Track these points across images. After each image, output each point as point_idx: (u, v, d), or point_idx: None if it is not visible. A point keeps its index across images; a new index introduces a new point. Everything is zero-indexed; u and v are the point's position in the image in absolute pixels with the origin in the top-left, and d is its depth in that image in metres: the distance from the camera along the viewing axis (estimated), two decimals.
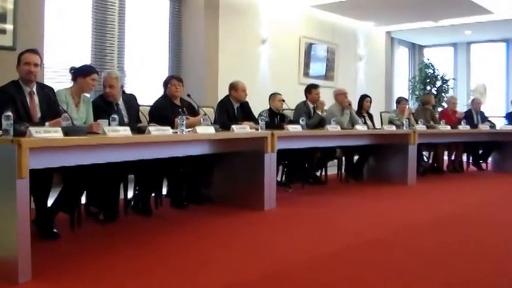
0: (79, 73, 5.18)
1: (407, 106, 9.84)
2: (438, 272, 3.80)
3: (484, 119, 10.86)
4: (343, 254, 4.29)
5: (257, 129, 6.36)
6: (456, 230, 5.34)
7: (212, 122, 6.47)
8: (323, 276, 3.69)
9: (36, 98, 4.62)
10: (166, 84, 6.35)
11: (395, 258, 4.20)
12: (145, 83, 8.75)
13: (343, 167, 8.73)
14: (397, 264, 4.01)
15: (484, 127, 10.24)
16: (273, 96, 7.89)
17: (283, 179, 7.83)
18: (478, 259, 4.18)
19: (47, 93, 4.71)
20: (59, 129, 3.95)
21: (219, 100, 7.31)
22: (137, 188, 5.78)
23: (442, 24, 13.52)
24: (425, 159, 10.32)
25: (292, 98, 8.33)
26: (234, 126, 5.95)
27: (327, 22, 12.04)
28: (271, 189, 6.18)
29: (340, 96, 8.55)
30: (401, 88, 15.30)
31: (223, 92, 7.61)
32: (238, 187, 6.28)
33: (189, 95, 6.39)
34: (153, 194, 5.89)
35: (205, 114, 6.15)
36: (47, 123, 4.24)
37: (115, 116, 4.75)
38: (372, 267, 3.93)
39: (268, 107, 7.83)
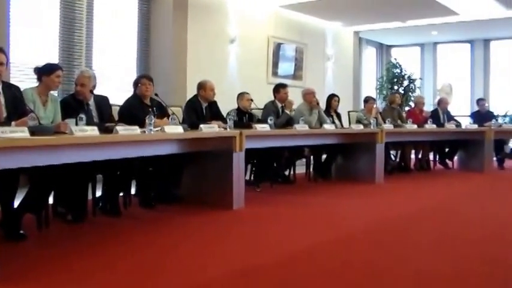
0: (43, 72, 5.14)
1: (374, 105, 9.93)
2: (407, 267, 3.87)
3: (450, 118, 11.00)
4: (312, 251, 4.31)
5: (225, 128, 6.36)
6: (423, 226, 5.42)
7: (180, 121, 6.48)
8: (292, 274, 3.71)
9: (1, 98, 4.55)
10: (136, 83, 6.33)
11: (365, 254, 4.25)
12: (113, 82, 8.70)
13: (312, 166, 8.78)
14: (367, 260, 4.05)
15: (450, 126, 10.37)
16: (241, 95, 7.90)
17: (252, 178, 7.84)
18: (445, 253, 4.26)
19: (13, 92, 4.66)
20: (26, 128, 3.92)
21: (188, 99, 7.31)
22: (105, 188, 5.72)
23: (409, 25, 13.66)
24: (393, 157, 10.43)
25: (261, 97, 8.36)
26: (202, 126, 5.95)
27: (295, 22, 12.09)
28: (240, 188, 6.18)
29: (309, 96, 8.61)
30: (369, 87, 15.43)
31: (191, 91, 7.59)
32: (207, 186, 6.28)
33: (156, 95, 6.37)
34: (121, 194, 5.86)
35: (173, 114, 6.15)
36: (13, 123, 4.18)
37: (82, 115, 4.71)
38: (342, 263, 3.97)
39: (236, 106, 7.84)
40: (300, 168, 8.77)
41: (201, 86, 7.11)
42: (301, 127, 7.48)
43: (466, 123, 11.34)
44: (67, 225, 5.07)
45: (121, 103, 6.31)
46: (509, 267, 3.92)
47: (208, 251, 4.30)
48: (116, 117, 5.99)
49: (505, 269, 3.87)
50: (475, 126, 10.77)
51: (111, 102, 6.07)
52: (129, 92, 6.51)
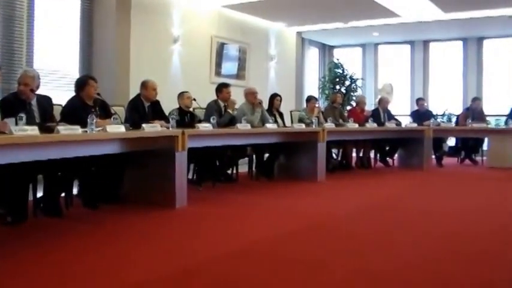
0: None
1: (316, 105, 10.08)
2: (349, 263, 3.94)
3: (391, 117, 11.25)
4: (254, 249, 4.36)
5: (168, 128, 6.40)
6: (365, 223, 5.54)
7: (123, 121, 6.48)
8: (234, 272, 3.74)
9: None
10: (82, 84, 6.21)
11: (307, 252, 4.30)
12: (54, 81, 8.60)
13: (254, 165, 8.85)
14: (308, 258, 4.10)
15: (390, 125, 10.62)
16: (181, 95, 7.94)
17: (195, 177, 7.87)
18: (386, 250, 4.37)
19: None
20: None
21: (130, 99, 7.30)
22: (47, 188, 5.65)
23: (351, 26, 13.83)
24: (334, 156, 10.59)
25: (204, 97, 8.41)
26: (144, 125, 5.98)
27: (238, 22, 12.13)
28: (182, 188, 6.22)
29: (251, 95, 8.69)
30: (312, 87, 15.54)
31: (134, 91, 7.58)
32: (150, 186, 6.30)
33: (98, 94, 6.33)
34: (63, 195, 5.82)
35: (115, 113, 6.15)
36: None
37: (22, 115, 4.68)
38: (283, 261, 4.01)
39: (178, 106, 7.86)
40: (243, 167, 8.86)
41: (143, 85, 7.12)
42: (243, 126, 7.55)
43: (406, 122, 11.59)
44: (7, 227, 4.99)
45: (62, 103, 6.24)
46: (450, 261, 4.05)
47: (147, 251, 4.31)
48: (58, 117, 5.94)
49: (446, 263, 3.99)
50: (415, 125, 11.06)
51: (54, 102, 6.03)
52: (71, 91, 6.43)
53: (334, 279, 3.61)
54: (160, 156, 6.16)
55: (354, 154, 10.85)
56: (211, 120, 7.20)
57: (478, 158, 11.95)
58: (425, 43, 15.80)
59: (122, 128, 5.63)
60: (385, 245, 4.53)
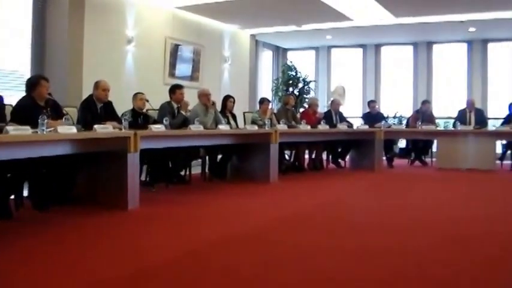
0: None
1: (269, 106, 10.16)
2: (300, 264, 3.98)
3: (343, 119, 11.41)
4: (207, 250, 4.36)
5: (120, 129, 6.38)
6: (316, 224, 5.60)
7: (76, 121, 6.44)
8: (188, 273, 3.75)
9: None
10: (33, 84, 6.11)
11: (259, 253, 4.33)
12: (6, 82, 8.51)
13: (207, 166, 8.88)
14: (260, 259, 4.13)
15: (342, 127, 10.76)
16: (135, 96, 7.91)
17: (147, 178, 7.86)
18: (337, 251, 4.42)
19: None
20: None
21: (83, 99, 7.27)
22: None
23: (304, 29, 13.94)
24: (287, 157, 10.68)
25: (158, 98, 8.41)
26: (96, 126, 5.95)
27: (193, 23, 12.14)
28: (135, 189, 6.20)
29: (204, 97, 8.72)
30: (265, 89, 15.65)
31: (87, 91, 7.54)
32: (102, 187, 6.28)
33: (50, 94, 6.27)
34: (12, 196, 5.75)
35: (67, 114, 6.11)
36: None
37: None
38: (235, 262, 4.03)
39: (132, 107, 7.85)
40: (196, 168, 8.87)
41: (95, 86, 7.09)
42: (196, 128, 7.58)
43: (358, 124, 11.75)
44: None
45: (13, 103, 6.18)
46: (394, 256, 4.15)
47: (98, 252, 4.29)
48: (9, 117, 5.87)
49: (390, 258, 4.10)
50: (366, 127, 11.24)
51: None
52: (22, 91, 6.35)
53: (287, 279, 3.64)
54: (113, 157, 6.14)
55: (307, 156, 10.94)
56: (164, 121, 7.21)
57: (428, 159, 12.20)
58: (377, 47, 16.02)
59: (73, 129, 5.60)
60: (335, 246, 4.59)
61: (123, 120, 6.56)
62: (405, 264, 4.00)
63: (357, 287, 3.52)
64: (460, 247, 4.54)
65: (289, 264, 4.00)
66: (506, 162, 11.57)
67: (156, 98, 8.33)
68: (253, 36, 14.61)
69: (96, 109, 7.04)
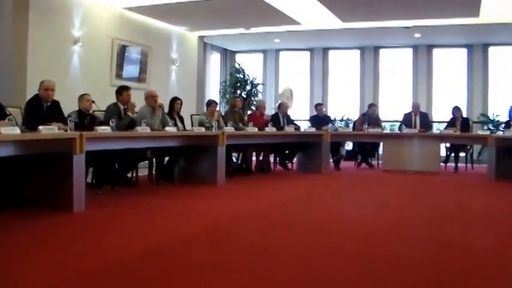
0: None
1: (216, 109, 10.17)
2: (247, 266, 3.98)
3: (290, 121, 11.48)
4: (154, 253, 4.33)
5: (66, 130, 6.29)
6: (262, 226, 5.60)
7: (21, 122, 6.34)
8: (135, 276, 3.72)
9: None
10: None
11: (206, 255, 4.32)
12: None
13: (154, 169, 8.83)
14: (208, 260, 4.12)
15: (289, 129, 10.84)
16: (81, 97, 7.80)
17: (94, 180, 7.77)
18: (285, 252, 4.44)
19: None
20: None
21: (28, 99, 7.16)
22: None
23: (253, 32, 14.01)
24: (234, 159, 10.70)
25: (104, 99, 8.35)
26: (41, 127, 5.84)
27: (140, 24, 12.06)
28: (80, 191, 6.10)
29: (151, 99, 8.66)
30: (213, 91, 15.65)
31: (31, 92, 7.40)
32: (47, 189, 6.15)
33: None
34: None
35: (10, 114, 6.00)
36: None
37: None
38: (182, 264, 4.02)
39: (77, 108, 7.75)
40: (143, 170, 8.81)
41: (40, 86, 6.99)
42: (143, 129, 7.53)
43: (305, 126, 11.84)
44: None
45: None
46: (346, 258, 4.20)
47: (41, 256, 4.20)
48: None
49: (341, 261, 4.15)
50: (313, 129, 11.33)
51: None
52: None
53: (233, 281, 3.65)
54: (58, 159, 6.03)
55: (254, 158, 10.98)
56: (111, 123, 7.13)
57: (374, 162, 12.40)
58: (325, 50, 16.20)
59: (16, 130, 5.50)
60: (282, 248, 4.61)
61: (68, 122, 6.47)
62: (350, 265, 4.05)
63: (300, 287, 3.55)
64: (407, 248, 4.62)
65: (236, 265, 4.00)
66: (450, 164, 11.83)
67: (103, 99, 8.26)
68: (201, 38, 14.60)
69: (42, 108, 6.94)
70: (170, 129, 8.20)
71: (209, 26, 13.62)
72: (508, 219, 6.13)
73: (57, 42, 9.79)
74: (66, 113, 7.28)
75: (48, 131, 5.90)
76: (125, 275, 3.75)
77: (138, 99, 8.69)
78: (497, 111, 14.11)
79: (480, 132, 11.84)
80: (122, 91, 8.23)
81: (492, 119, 14.17)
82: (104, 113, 8.15)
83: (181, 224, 5.64)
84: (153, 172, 8.81)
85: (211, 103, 10.24)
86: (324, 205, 7.16)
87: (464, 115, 12.49)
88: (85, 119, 7.60)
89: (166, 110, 9.05)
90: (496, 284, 3.65)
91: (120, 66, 11.43)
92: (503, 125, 11.70)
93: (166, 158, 8.95)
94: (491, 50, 14.90)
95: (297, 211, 6.66)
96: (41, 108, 6.93)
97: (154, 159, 8.79)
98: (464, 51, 15.10)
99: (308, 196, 8.14)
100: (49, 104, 7.04)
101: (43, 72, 8.40)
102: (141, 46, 12.07)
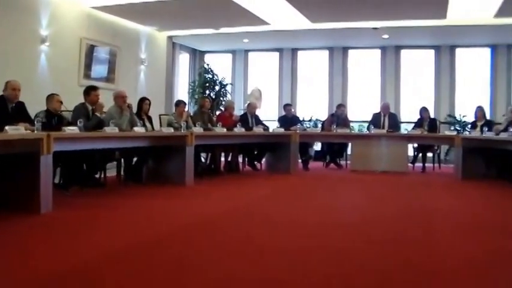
0: None
1: (185, 109, 10.16)
2: (216, 266, 4.00)
3: (259, 122, 11.51)
4: (123, 254, 4.32)
5: (33, 130, 6.23)
6: (231, 226, 5.62)
7: None
8: (102, 277, 3.70)
9: None
10: None
11: (176, 255, 4.32)
12: None
13: (122, 169, 8.80)
14: (177, 260, 4.13)
15: (258, 130, 10.87)
16: (50, 97, 7.72)
17: (61, 181, 7.71)
18: (251, 253, 4.46)
19: None
20: None
21: None
22: None
23: (222, 32, 14.01)
24: (203, 160, 10.68)
25: (72, 99, 8.27)
26: (7, 127, 5.78)
27: (109, 24, 11.98)
28: (47, 192, 6.06)
29: (120, 99, 8.62)
30: (182, 92, 15.63)
31: None
32: (13, 190, 6.08)
33: None
34: None
35: None
36: None
37: None
38: (151, 265, 3.99)
39: (45, 108, 7.67)
40: (111, 171, 8.77)
41: (5, 86, 6.93)
42: (111, 130, 7.50)
43: (274, 127, 11.88)
44: None
45: None
46: (316, 256, 4.23)
47: (8, 257, 4.18)
48: None
49: (311, 259, 4.18)
50: (282, 130, 11.38)
51: None
52: None
53: (202, 281, 3.66)
54: (25, 159, 5.98)
55: (223, 158, 10.99)
56: (78, 123, 7.09)
57: (343, 162, 12.48)
58: (294, 51, 16.25)
59: None
60: (251, 247, 4.64)
61: (35, 122, 6.41)
62: (322, 263, 4.08)
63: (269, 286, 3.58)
64: (374, 247, 4.67)
65: (205, 265, 4.01)
66: (418, 164, 11.97)
67: (71, 100, 8.19)
68: (170, 38, 14.56)
69: (7, 109, 6.87)
70: (138, 129, 8.18)
71: (178, 26, 13.60)
72: (471, 218, 6.22)
73: (24, 41, 9.66)
74: (32, 114, 7.22)
75: (14, 131, 5.84)
76: (92, 275, 3.73)
77: (106, 100, 8.64)
78: (464, 112, 14.32)
79: (447, 132, 12.03)
80: (89, 91, 8.19)
81: (459, 119, 14.37)
82: (71, 113, 8.08)
83: (149, 225, 5.62)
84: (122, 173, 8.76)
85: (179, 103, 10.23)
86: (291, 205, 7.19)
87: (432, 116, 12.68)
88: (53, 119, 7.53)
89: (134, 110, 9.01)
90: (452, 279, 3.72)
91: (88, 66, 11.34)
92: (469, 126, 11.85)
93: (135, 159, 8.91)
94: (458, 51, 15.13)
95: (264, 211, 6.66)
96: (6, 109, 6.87)
97: (122, 160, 8.75)
98: (431, 52, 15.29)
99: (276, 196, 8.17)
100: (14, 104, 6.97)
101: (9, 72, 8.28)
102: (109, 46, 11.99)
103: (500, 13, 11.07)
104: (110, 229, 5.39)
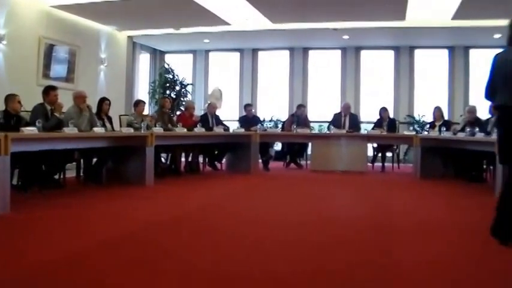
0: None
1: (145, 109, 10.15)
2: (177, 264, 4.03)
3: (219, 122, 11.54)
4: (82, 255, 4.29)
5: None
6: (192, 226, 5.62)
7: None
8: (61, 278, 3.67)
9: None
10: None
11: (136, 255, 4.32)
12: None
13: (82, 170, 8.74)
14: (138, 262, 4.10)
15: (218, 130, 10.90)
16: (10, 97, 7.60)
17: (19, 182, 7.62)
18: (209, 249, 4.50)
19: None
20: None
21: None
22: None
23: (182, 32, 14.00)
24: (163, 160, 10.68)
25: (31, 99, 8.18)
26: None
27: (68, 23, 11.86)
28: (5, 193, 5.99)
29: (79, 99, 8.56)
30: (143, 92, 15.57)
31: None
32: None
33: None
34: None
35: None
36: None
37: None
38: (111, 266, 3.98)
39: (3, 108, 7.58)
40: (71, 172, 8.71)
41: None
42: (70, 130, 7.44)
43: (234, 127, 11.92)
44: None
45: None
46: (274, 254, 4.28)
47: None
48: None
49: (270, 257, 4.22)
50: (242, 130, 11.42)
51: None
52: None
53: (161, 281, 3.68)
54: None
55: (183, 159, 10.99)
56: (37, 123, 7.02)
57: (303, 162, 12.58)
58: (254, 51, 16.33)
59: None
60: (211, 246, 4.65)
61: None
62: (276, 260, 4.13)
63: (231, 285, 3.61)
64: (331, 246, 4.73)
65: (165, 265, 4.00)
66: (378, 164, 12.14)
67: (29, 100, 8.10)
68: (130, 38, 14.50)
69: None
70: (98, 130, 8.13)
71: (138, 26, 13.56)
72: (429, 217, 6.31)
73: None
74: None
75: None
76: (50, 277, 3.70)
77: (66, 100, 8.57)
78: (422, 112, 14.58)
79: (406, 132, 12.24)
80: (48, 91, 8.12)
81: (418, 119, 14.62)
82: (30, 113, 8.00)
83: (108, 226, 5.59)
84: (81, 173, 8.71)
85: (139, 103, 10.23)
86: (251, 205, 7.22)
87: (391, 116, 12.89)
88: (11, 120, 7.45)
89: (94, 110, 8.96)
90: (411, 279, 3.80)
91: (47, 66, 11.22)
92: (428, 126, 12.03)
93: (95, 159, 8.86)
94: (417, 52, 15.41)
95: (225, 211, 6.69)
96: None
97: (82, 160, 8.69)
98: (391, 53, 15.52)
99: (236, 196, 8.21)
100: None
101: None
102: (69, 45, 11.89)
103: (458, 15, 11.31)
104: (69, 230, 5.34)
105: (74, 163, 8.70)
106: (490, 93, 4.97)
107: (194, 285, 3.60)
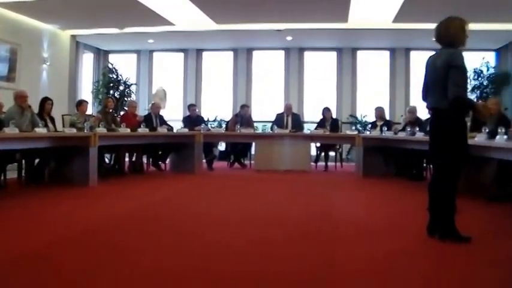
0: None
1: (87, 108, 10.11)
2: (121, 266, 4.02)
3: (163, 122, 11.53)
4: (24, 257, 4.25)
5: None
6: (134, 226, 5.61)
7: None
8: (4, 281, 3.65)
9: None
10: None
11: (78, 256, 4.30)
12: None
13: (24, 171, 8.64)
14: (81, 263, 4.08)
15: (162, 130, 10.89)
16: None
17: None
18: (153, 248, 4.55)
19: None
20: None
21: None
22: None
23: (126, 32, 13.93)
24: (107, 161, 10.62)
25: None
26: None
27: (9, 21, 11.65)
28: None
29: (20, 99, 8.46)
30: (86, 92, 15.40)
31: None
32: None
33: None
34: None
35: None
36: None
37: None
38: (54, 268, 3.96)
39: None
40: (12, 173, 8.59)
41: None
42: (11, 130, 7.34)
43: (178, 127, 11.92)
44: None
45: None
46: (221, 253, 4.33)
47: None
48: None
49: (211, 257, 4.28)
50: (186, 130, 11.44)
51: None
52: None
53: (107, 281, 3.71)
54: None
55: (127, 159, 10.95)
56: None
57: (247, 162, 12.67)
58: (198, 52, 16.34)
59: None
60: (155, 246, 4.69)
61: None
62: (225, 260, 4.20)
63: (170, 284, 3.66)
64: (274, 247, 4.82)
65: (111, 268, 4.02)
66: (321, 163, 12.31)
67: None
68: (73, 37, 14.35)
69: None
70: (40, 130, 8.05)
71: (81, 25, 13.45)
72: (370, 218, 6.43)
73: None
74: None
75: None
76: None
77: (7, 99, 8.47)
78: (364, 112, 14.87)
79: (349, 132, 12.50)
80: None
81: (360, 119, 14.89)
82: None
83: (49, 227, 5.54)
84: (23, 174, 8.60)
85: (81, 103, 10.19)
86: (195, 204, 7.25)
87: (334, 116, 13.12)
88: None
89: (36, 110, 8.87)
90: (353, 281, 3.91)
91: None
92: (370, 126, 12.27)
93: (37, 160, 8.76)
94: (360, 53, 15.69)
95: (168, 211, 6.72)
96: None
97: (23, 161, 8.58)
98: (334, 54, 15.75)
99: (179, 196, 8.24)
100: None
101: None
102: (9, 44, 11.70)
103: (398, 18, 11.59)
104: (9, 231, 5.29)
105: (15, 164, 8.56)
106: (424, 95, 5.14)
107: (139, 283, 3.65)
